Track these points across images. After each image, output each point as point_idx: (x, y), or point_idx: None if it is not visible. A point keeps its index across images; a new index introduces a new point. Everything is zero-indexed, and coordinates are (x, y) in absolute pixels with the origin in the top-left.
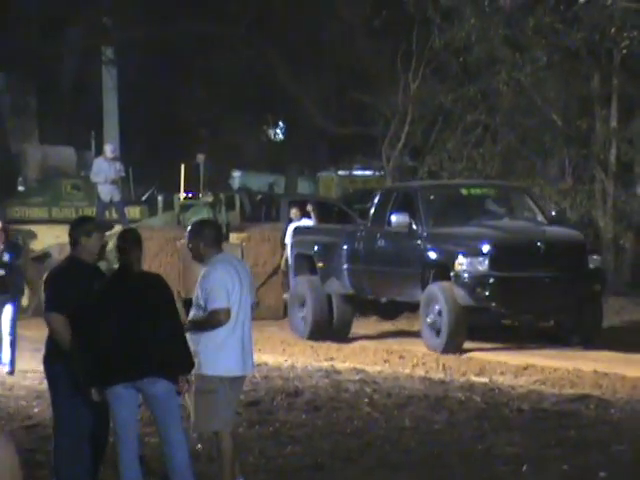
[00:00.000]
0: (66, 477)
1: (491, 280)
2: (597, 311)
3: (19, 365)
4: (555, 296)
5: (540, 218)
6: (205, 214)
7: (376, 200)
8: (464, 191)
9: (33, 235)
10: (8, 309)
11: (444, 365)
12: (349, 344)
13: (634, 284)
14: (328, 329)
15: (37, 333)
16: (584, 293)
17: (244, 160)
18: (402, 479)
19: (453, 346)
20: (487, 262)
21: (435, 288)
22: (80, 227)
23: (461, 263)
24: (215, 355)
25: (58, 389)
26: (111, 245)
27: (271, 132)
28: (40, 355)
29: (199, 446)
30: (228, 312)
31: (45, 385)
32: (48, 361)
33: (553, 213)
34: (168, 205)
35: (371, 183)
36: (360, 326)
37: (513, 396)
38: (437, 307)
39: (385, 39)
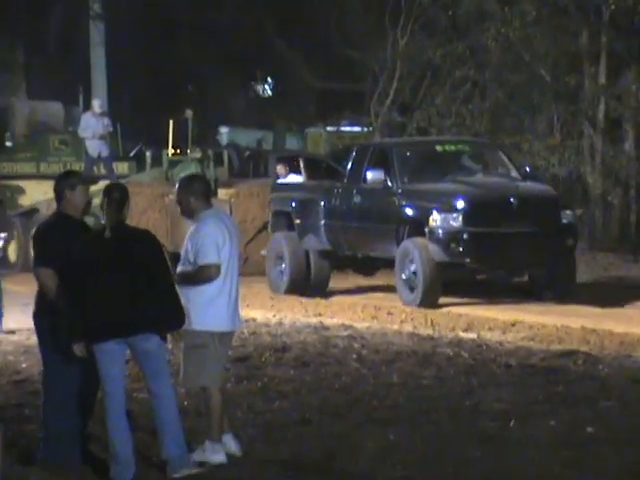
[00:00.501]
0: (55, 431)
1: (465, 236)
2: (570, 266)
3: (7, 320)
4: (528, 251)
5: (514, 174)
6: (193, 170)
7: (352, 157)
8: (438, 148)
9: (21, 190)
10: None
11: (432, 321)
12: (337, 300)
13: (622, 240)
14: (306, 285)
15: (26, 288)
16: (557, 248)
17: (232, 116)
18: (390, 435)
19: (428, 301)
20: (461, 218)
21: (410, 244)
22: (64, 181)
23: (435, 219)
24: (205, 310)
25: (48, 344)
26: (97, 200)
27: (259, 88)
28: (29, 310)
29: (186, 402)
30: (218, 267)
31: (33, 340)
32: (38, 316)
33: (527, 169)
34: (156, 161)
35: (359, 139)
36: (340, 281)
37: (501, 352)
38: (412, 263)
39: None
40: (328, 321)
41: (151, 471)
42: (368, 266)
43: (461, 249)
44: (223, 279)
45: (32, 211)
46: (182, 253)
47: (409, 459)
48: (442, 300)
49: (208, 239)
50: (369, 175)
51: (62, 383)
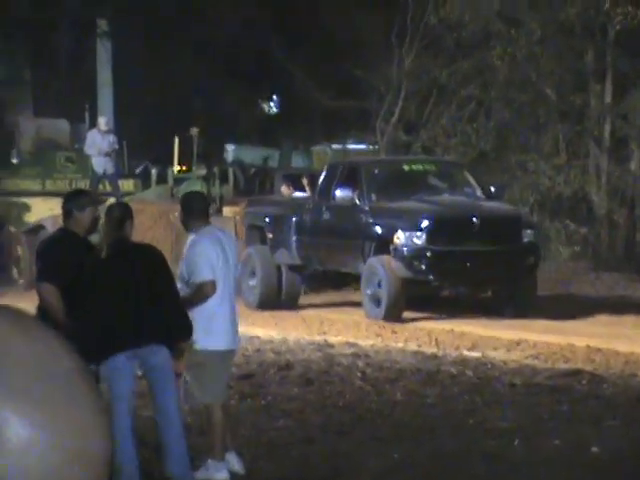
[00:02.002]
0: None
1: (428, 254)
2: (531, 283)
3: None
4: (490, 269)
5: (479, 193)
6: (199, 187)
7: (323, 175)
8: (406, 167)
9: (26, 207)
10: None
11: (437, 339)
12: (341, 318)
13: (627, 259)
14: (277, 299)
15: (30, 306)
16: (518, 266)
17: (238, 134)
18: (394, 453)
19: (392, 316)
20: (424, 236)
21: (375, 261)
22: (74, 200)
23: (399, 237)
24: (204, 330)
25: None
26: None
27: (265, 106)
28: None
29: (189, 419)
30: (214, 284)
31: None
32: None
33: (492, 189)
34: (162, 178)
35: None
36: (312, 297)
37: (506, 371)
38: (377, 279)
39: (380, 13)
40: (332, 339)
41: None
42: (338, 281)
43: (424, 266)
44: (221, 297)
45: (38, 228)
46: (178, 272)
47: (413, 477)
48: (406, 315)
49: (202, 257)
50: (338, 193)
51: None
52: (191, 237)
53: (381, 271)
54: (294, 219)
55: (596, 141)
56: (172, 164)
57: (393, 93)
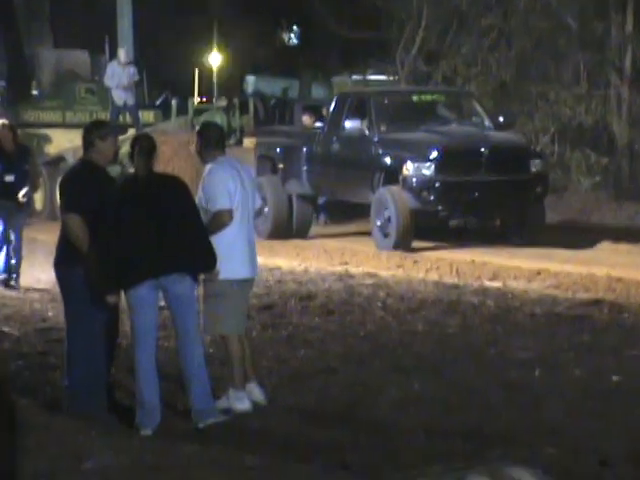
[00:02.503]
0: (79, 380)
1: (436, 184)
2: (539, 212)
3: (34, 268)
4: (498, 199)
5: (487, 123)
6: (219, 119)
7: (332, 105)
8: (415, 97)
9: (47, 139)
10: (17, 217)
11: (457, 270)
12: (363, 249)
13: None
14: (288, 229)
15: (51, 237)
16: (526, 196)
17: (258, 65)
18: (415, 383)
19: (401, 246)
20: (433, 167)
21: (384, 192)
22: (95, 130)
23: (408, 168)
24: (222, 258)
25: (71, 292)
26: (125, 149)
27: (285, 36)
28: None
29: (212, 350)
30: (230, 212)
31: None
32: (60, 265)
33: (500, 119)
34: (182, 109)
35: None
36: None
37: (526, 300)
38: (386, 210)
39: None
40: (353, 269)
41: (176, 419)
42: (358, 212)
43: (432, 197)
44: (239, 225)
45: (58, 159)
46: (196, 201)
47: (433, 407)
48: (427, 245)
49: (219, 185)
50: (347, 124)
51: (85, 331)
52: (208, 166)
53: (390, 202)
54: (305, 149)
55: (617, 71)
56: (192, 95)
57: (413, 22)
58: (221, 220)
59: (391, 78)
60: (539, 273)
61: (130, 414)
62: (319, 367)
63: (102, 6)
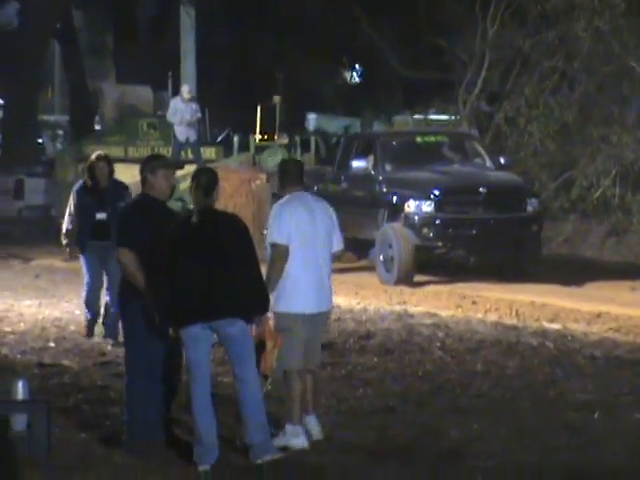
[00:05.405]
0: (138, 415)
1: (436, 221)
2: (535, 249)
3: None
4: (496, 236)
5: (488, 164)
6: (280, 155)
7: (341, 146)
8: (419, 139)
9: None
10: (113, 260)
11: (517, 311)
12: (422, 288)
13: None
14: None
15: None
16: (522, 233)
17: (320, 103)
18: (473, 423)
19: (403, 280)
20: (433, 205)
21: (388, 228)
22: (146, 164)
23: (410, 206)
24: (286, 292)
25: (131, 327)
26: (185, 185)
27: (347, 75)
28: None
29: (270, 387)
30: (285, 247)
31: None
32: (121, 299)
33: (502, 160)
34: (244, 146)
35: (447, 128)
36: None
37: (586, 343)
38: (389, 245)
39: None
40: (412, 309)
41: (234, 455)
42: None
43: (432, 233)
44: (303, 260)
45: None
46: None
47: (493, 448)
48: (485, 285)
49: (275, 219)
50: (354, 163)
51: (145, 366)
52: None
53: (393, 237)
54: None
55: None
56: (254, 132)
57: (476, 63)
58: (275, 253)
59: (452, 118)
60: (599, 315)
61: (189, 450)
62: (377, 406)
63: (166, 43)
